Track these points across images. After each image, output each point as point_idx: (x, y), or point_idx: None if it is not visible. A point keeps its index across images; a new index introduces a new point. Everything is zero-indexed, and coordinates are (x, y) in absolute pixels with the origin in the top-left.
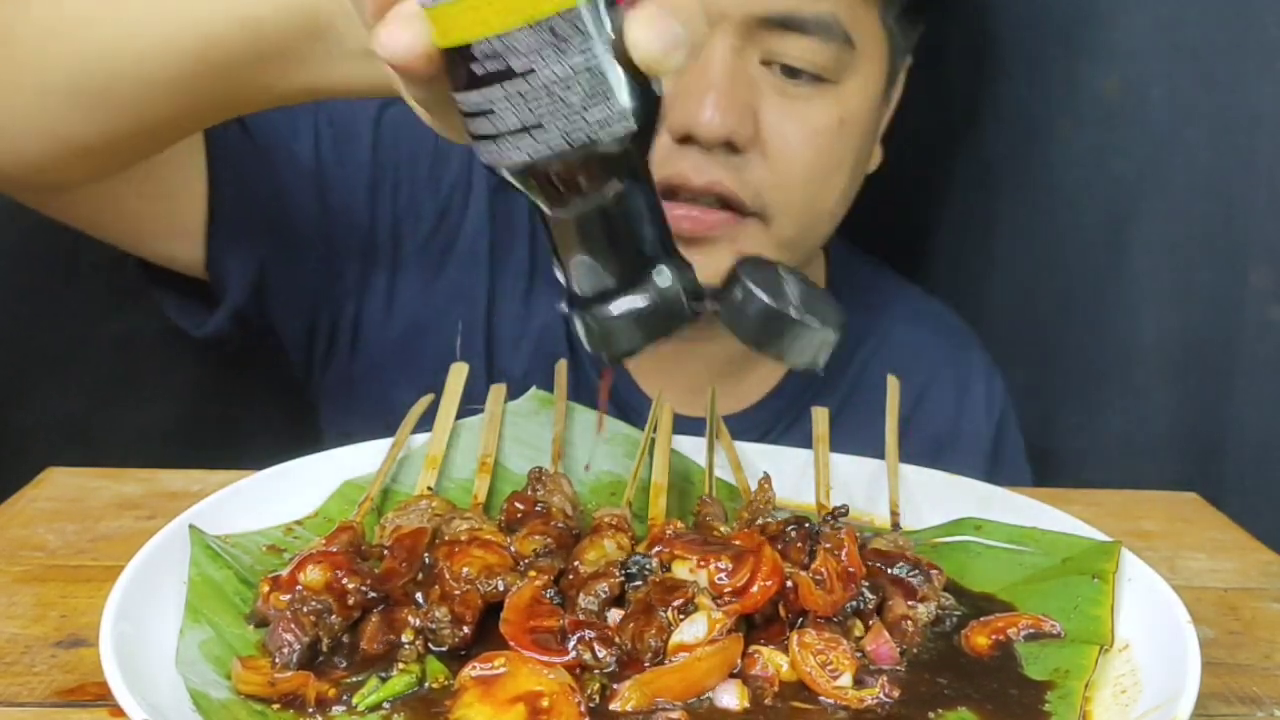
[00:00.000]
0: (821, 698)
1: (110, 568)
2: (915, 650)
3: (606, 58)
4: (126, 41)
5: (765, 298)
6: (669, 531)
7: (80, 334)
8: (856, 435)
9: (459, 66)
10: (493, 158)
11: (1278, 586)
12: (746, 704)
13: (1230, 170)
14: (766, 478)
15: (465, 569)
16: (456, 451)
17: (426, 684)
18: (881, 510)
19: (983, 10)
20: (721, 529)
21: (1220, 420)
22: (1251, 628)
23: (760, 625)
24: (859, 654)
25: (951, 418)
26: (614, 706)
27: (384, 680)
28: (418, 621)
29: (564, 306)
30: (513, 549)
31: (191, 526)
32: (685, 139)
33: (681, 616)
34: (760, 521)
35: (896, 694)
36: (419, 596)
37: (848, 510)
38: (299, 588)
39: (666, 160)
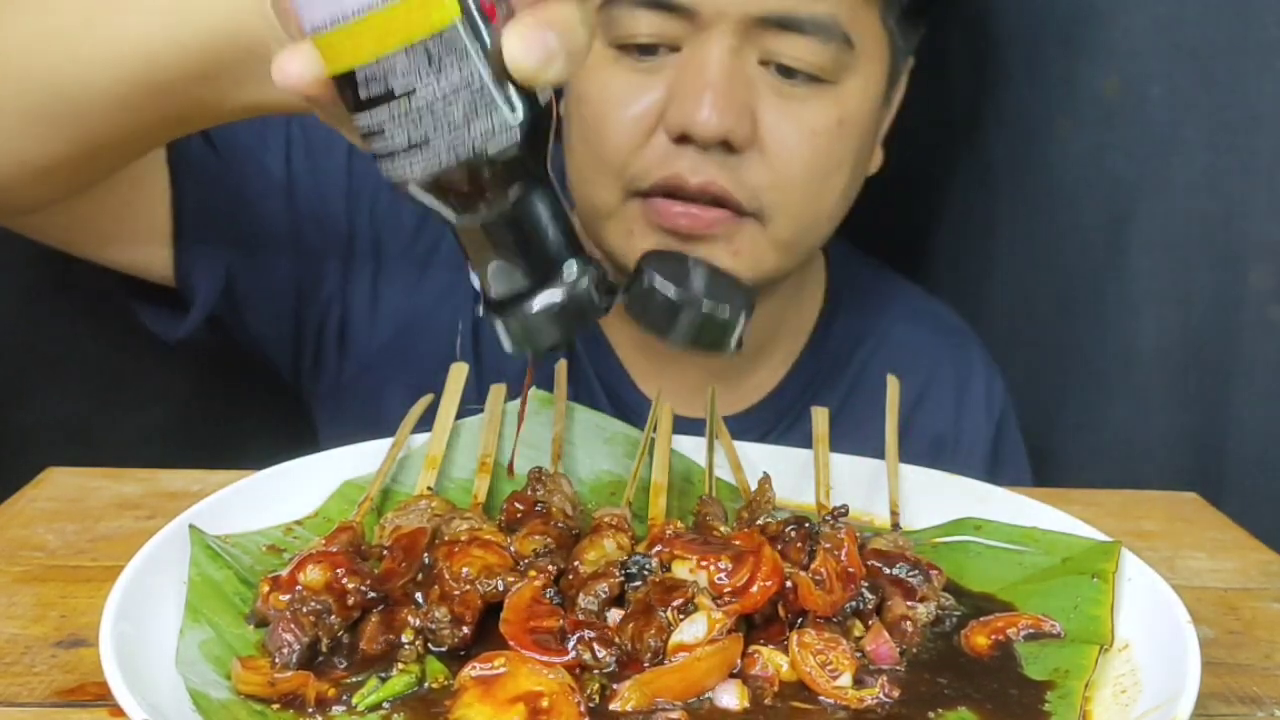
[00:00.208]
0: (821, 698)
1: (110, 568)
2: (915, 650)
3: (485, 73)
4: (69, 66)
5: (668, 288)
6: (669, 531)
7: (80, 334)
8: (856, 435)
9: (347, 91)
10: (391, 174)
11: (1278, 586)
12: (746, 704)
13: (1230, 170)
14: (766, 478)
15: (465, 569)
16: (456, 451)
17: (426, 684)
18: (881, 510)
19: (983, 11)
20: (721, 529)
21: (1220, 420)
22: (1251, 628)
23: (760, 625)
24: (859, 654)
25: (951, 417)
26: (614, 706)
27: (384, 680)
28: (417, 621)
29: (480, 311)
30: (513, 549)
31: (191, 526)
32: (682, 138)
33: (681, 616)
34: (760, 521)
35: (896, 694)
36: (419, 596)
37: (848, 510)
38: (299, 588)
39: (664, 160)
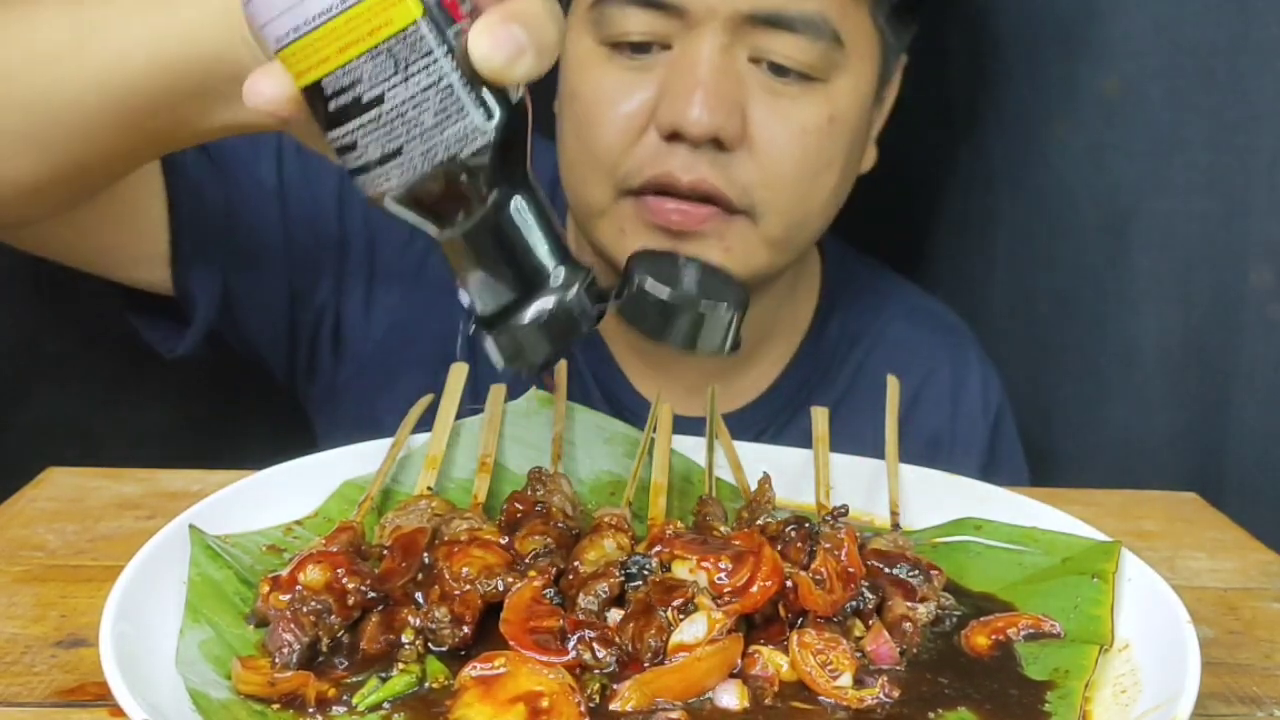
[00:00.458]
0: (821, 698)
1: (110, 568)
2: (915, 650)
3: (453, 74)
4: (56, 88)
5: (660, 290)
6: (669, 531)
7: (81, 335)
8: (853, 433)
9: (318, 106)
10: (369, 190)
11: (1278, 586)
12: (746, 704)
13: (1230, 170)
14: (766, 477)
15: (465, 569)
16: (457, 451)
17: (426, 684)
18: (881, 510)
19: (982, 10)
20: (721, 529)
21: (1220, 420)
22: (1251, 628)
23: (760, 625)
24: (859, 654)
25: (947, 415)
26: (614, 706)
27: (384, 680)
28: (418, 621)
29: (471, 327)
30: (513, 549)
31: (191, 526)
32: (673, 136)
33: (681, 616)
34: (760, 521)
35: (896, 694)
36: (419, 596)
37: (848, 510)
38: (299, 588)
39: (655, 158)
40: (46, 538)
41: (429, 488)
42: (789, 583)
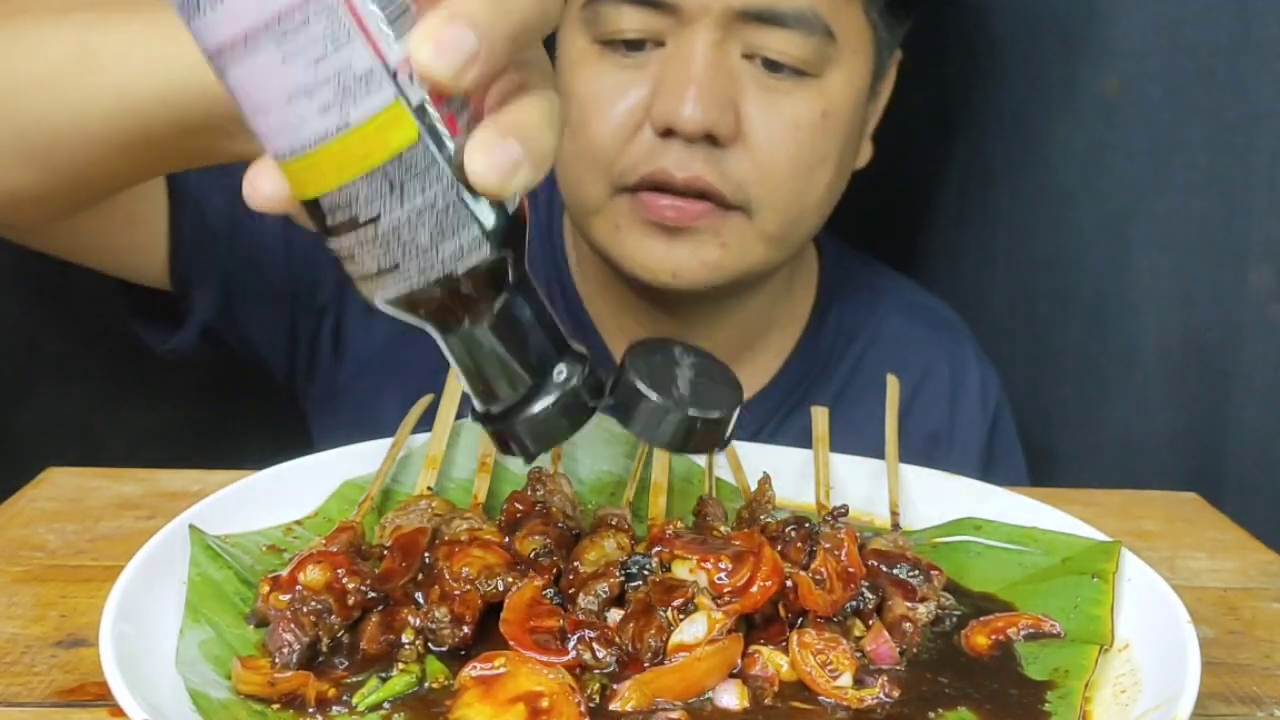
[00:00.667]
0: (821, 698)
1: (110, 568)
2: (915, 650)
3: (449, 192)
4: (60, 110)
5: (651, 395)
6: (669, 531)
7: (81, 334)
8: (851, 431)
9: (314, 216)
10: (366, 294)
11: (1278, 586)
12: (746, 704)
13: (1230, 170)
14: (766, 477)
15: (465, 569)
16: (457, 451)
17: (426, 684)
18: (881, 510)
19: (981, 10)
20: (721, 529)
21: (1220, 420)
22: (1251, 628)
23: (760, 625)
24: (859, 654)
25: (946, 412)
26: (614, 706)
27: (384, 680)
28: (418, 621)
29: (471, 416)
30: (513, 549)
31: (191, 526)
32: (667, 133)
33: (681, 616)
34: (760, 521)
35: (896, 694)
36: (419, 596)
37: (848, 510)
38: (299, 588)
39: (650, 155)
40: (46, 538)
41: (429, 488)
42: (789, 583)
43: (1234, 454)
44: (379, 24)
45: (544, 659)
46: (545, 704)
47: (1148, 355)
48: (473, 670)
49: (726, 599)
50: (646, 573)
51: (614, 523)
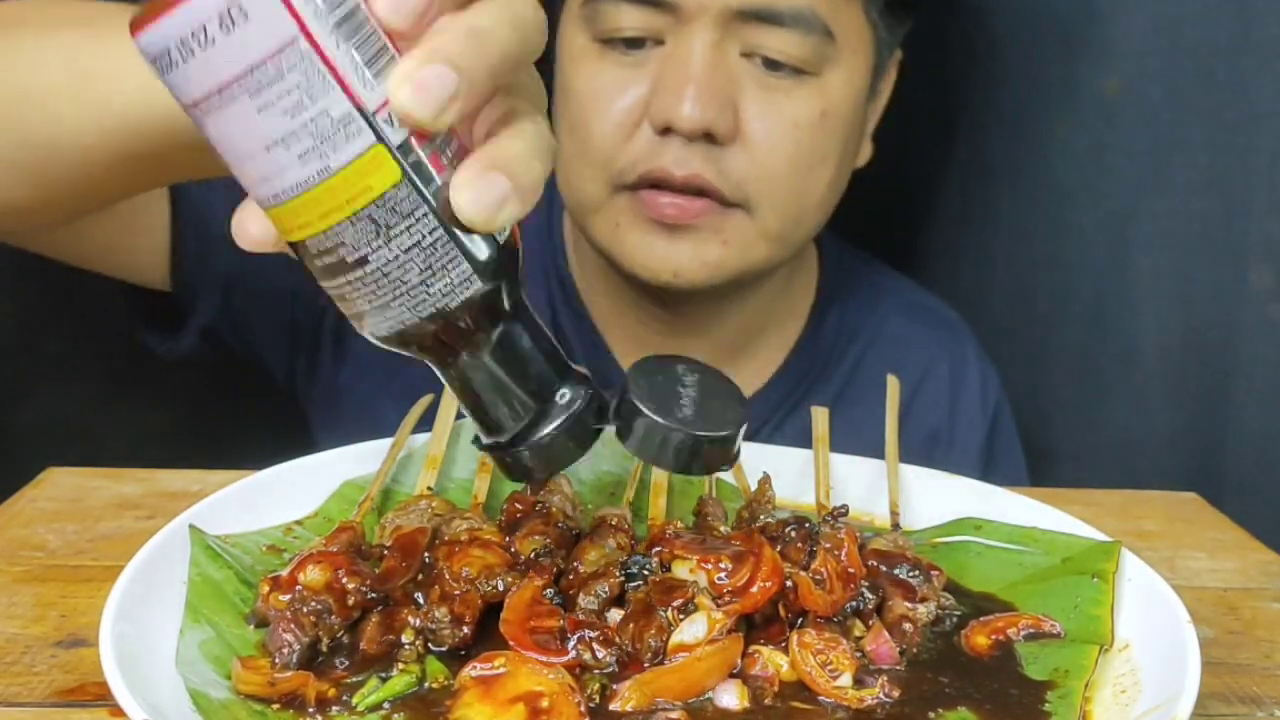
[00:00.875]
0: (821, 698)
1: (110, 568)
2: (915, 650)
3: (436, 230)
4: (55, 126)
5: (655, 419)
6: (669, 531)
7: (81, 334)
8: (851, 429)
9: (304, 259)
10: (360, 331)
11: (1278, 586)
12: (746, 704)
13: (1230, 170)
14: (766, 478)
15: (465, 569)
16: (456, 451)
17: (426, 684)
18: (881, 510)
19: (982, 10)
20: (721, 529)
21: (1220, 420)
22: (1251, 628)
23: (760, 625)
24: (859, 654)
25: (946, 411)
26: (614, 706)
27: (384, 680)
28: (418, 621)
29: (475, 444)
30: (513, 549)
31: (191, 526)
32: (666, 131)
33: (681, 616)
34: (760, 521)
35: (896, 694)
36: (419, 596)
37: (848, 510)
38: (299, 588)
39: (649, 153)
40: (46, 538)
41: (429, 488)
42: (789, 583)
43: (1234, 454)
44: (354, 69)
45: (544, 659)
46: (545, 704)
47: (1148, 355)
48: (473, 670)
49: (726, 599)
50: (646, 573)
51: (614, 523)
